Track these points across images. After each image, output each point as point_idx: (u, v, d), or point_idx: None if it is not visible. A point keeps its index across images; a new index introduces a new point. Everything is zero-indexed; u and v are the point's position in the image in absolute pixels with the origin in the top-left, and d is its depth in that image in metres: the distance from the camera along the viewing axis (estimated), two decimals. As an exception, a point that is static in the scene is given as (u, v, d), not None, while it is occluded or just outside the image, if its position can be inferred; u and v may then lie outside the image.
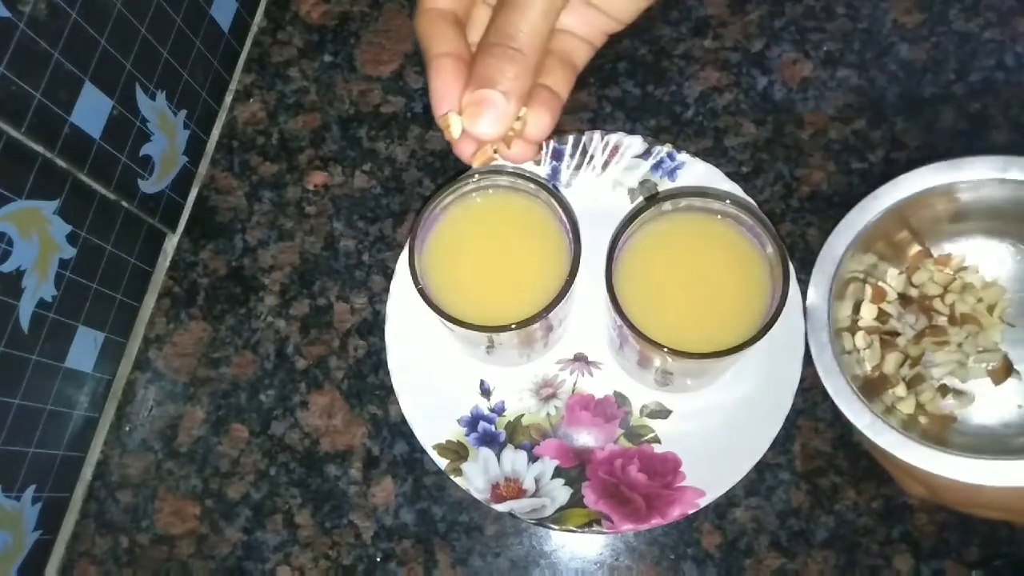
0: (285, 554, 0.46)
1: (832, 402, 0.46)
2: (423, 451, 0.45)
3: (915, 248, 0.44)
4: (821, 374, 0.39)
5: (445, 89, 0.29)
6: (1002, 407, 0.43)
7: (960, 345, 0.43)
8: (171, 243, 0.54)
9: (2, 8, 0.38)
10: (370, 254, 0.52)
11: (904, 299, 0.44)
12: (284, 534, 0.46)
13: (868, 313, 0.43)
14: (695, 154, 0.48)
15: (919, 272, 0.44)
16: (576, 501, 0.44)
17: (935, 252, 0.45)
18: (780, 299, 0.36)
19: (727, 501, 0.44)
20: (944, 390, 0.42)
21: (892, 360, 0.42)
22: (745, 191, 0.47)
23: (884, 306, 0.44)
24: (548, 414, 0.46)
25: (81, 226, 0.46)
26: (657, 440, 0.45)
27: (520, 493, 0.44)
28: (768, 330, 0.36)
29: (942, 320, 0.43)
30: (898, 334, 0.43)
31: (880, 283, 0.44)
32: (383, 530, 0.46)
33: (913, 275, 0.44)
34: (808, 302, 0.41)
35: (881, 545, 0.43)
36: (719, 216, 0.40)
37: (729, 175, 0.48)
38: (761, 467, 0.44)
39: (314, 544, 0.46)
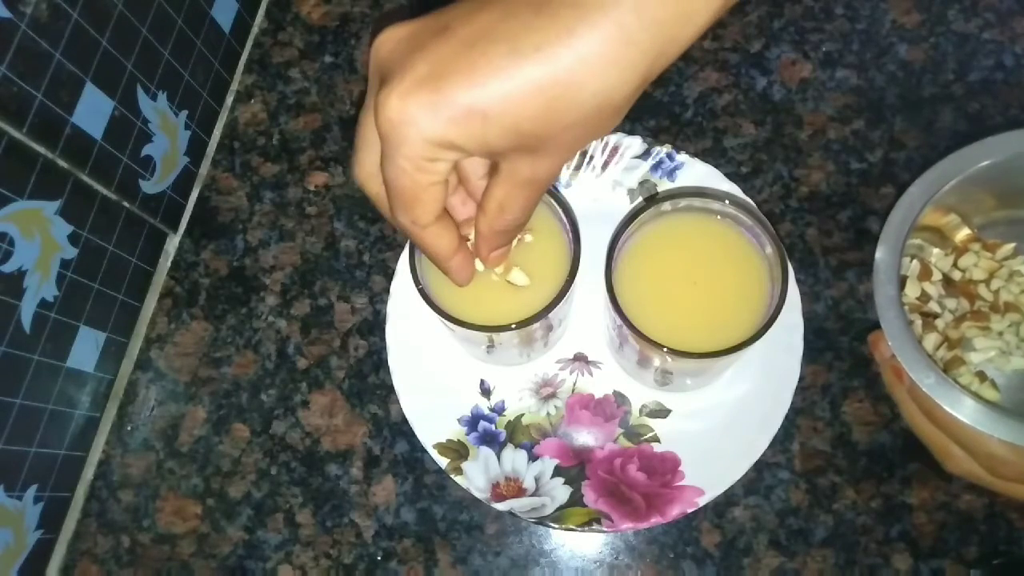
0: (286, 553, 0.46)
1: (831, 400, 0.46)
2: (424, 450, 0.45)
3: (964, 232, 0.44)
4: (885, 329, 0.38)
5: (465, 272, 0.33)
6: None
7: (1001, 334, 0.42)
8: (172, 243, 0.54)
9: (3, 8, 0.38)
10: (371, 254, 0.52)
11: (948, 282, 0.44)
12: (285, 533, 0.47)
13: (912, 291, 0.43)
14: (694, 154, 0.48)
15: (966, 256, 0.44)
16: (576, 500, 0.44)
17: (983, 239, 0.44)
18: (779, 299, 0.36)
19: (726, 500, 0.44)
20: (982, 376, 0.42)
21: (931, 340, 0.42)
22: (744, 191, 0.47)
23: (927, 286, 0.43)
24: (548, 413, 0.46)
25: (83, 226, 0.46)
26: (656, 439, 0.45)
27: (520, 492, 0.44)
28: (767, 330, 0.36)
29: (985, 306, 0.43)
30: (937, 315, 0.43)
31: (927, 261, 0.43)
32: (384, 529, 0.46)
33: (959, 258, 0.44)
34: (877, 256, 0.39)
35: (880, 544, 0.43)
36: (718, 216, 0.40)
37: (728, 175, 0.48)
38: (760, 466, 0.44)
39: (315, 543, 0.46)
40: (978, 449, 0.37)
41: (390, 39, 0.27)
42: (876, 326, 0.46)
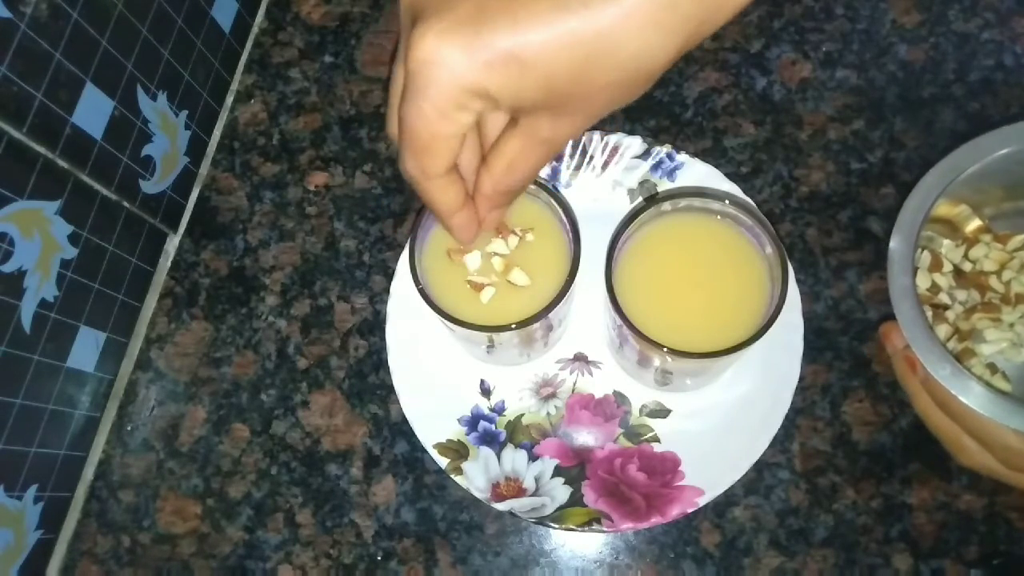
0: (286, 553, 0.46)
1: (831, 400, 0.46)
2: (424, 450, 0.45)
3: (974, 223, 0.44)
4: (900, 319, 0.37)
5: (469, 230, 0.32)
6: None
7: (1012, 325, 0.42)
8: (172, 243, 0.54)
9: (3, 8, 0.38)
10: (371, 254, 0.52)
11: (958, 273, 0.43)
12: (285, 533, 0.47)
13: (922, 282, 0.42)
14: (694, 154, 0.48)
15: (977, 247, 0.43)
16: (576, 500, 0.44)
17: (994, 230, 0.44)
18: (779, 299, 0.36)
19: (726, 500, 0.44)
20: (993, 368, 0.41)
21: (942, 332, 0.41)
22: (744, 191, 0.47)
23: (937, 277, 0.43)
24: (548, 413, 0.46)
25: (83, 226, 0.46)
26: (656, 439, 0.45)
27: (520, 492, 0.44)
28: (767, 330, 0.36)
29: (996, 298, 0.42)
30: (947, 307, 0.42)
31: (938, 252, 0.43)
32: (384, 529, 0.46)
33: (970, 250, 0.43)
34: (891, 246, 0.39)
35: (880, 544, 0.43)
36: (718, 216, 0.40)
37: (728, 175, 0.48)
38: (760, 466, 0.44)
39: (315, 543, 0.46)
40: (993, 441, 0.37)
41: None
42: (878, 323, 0.46)
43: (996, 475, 0.38)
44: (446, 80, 0.25)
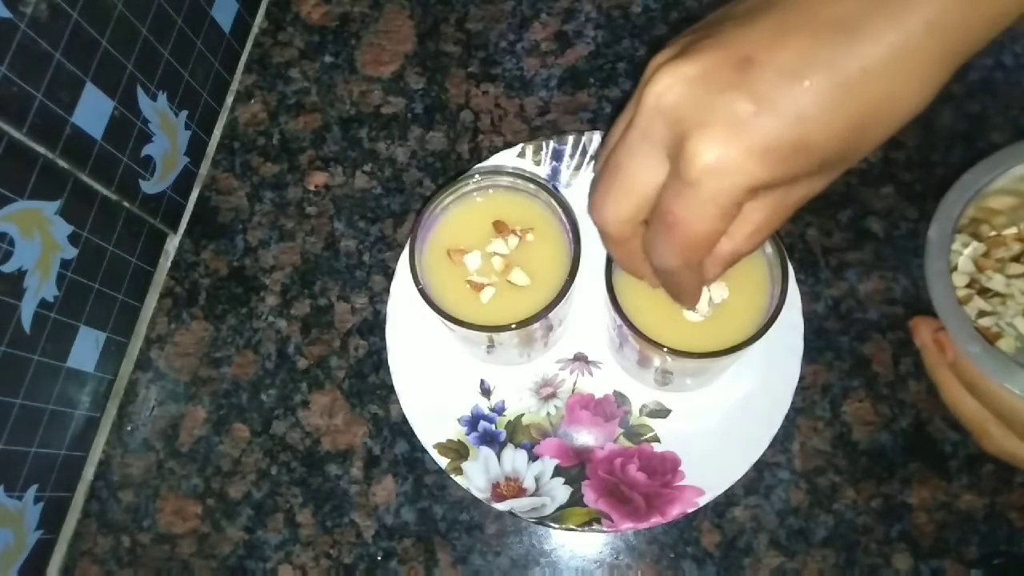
0: (286, 553, 0.46)
1: (831, 400, 0.46)
2: (424, 450, 0.45)
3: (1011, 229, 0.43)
4: (934, 300, 0.37)
5: (701, 296, 0.34)
6: None
7: None
8: (172, 243, 0.54)
9: (3, 9, 0.38)
10: (371, 254, 0.52)
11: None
12: (285, 533, 0.47)
13: (964, 267, 0.42)
14: (694, 154, 0.48)
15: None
16: (576, 500, 0.44)
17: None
18: (779, 299, 0.36)
19: (726, 500, 0.44)
20: None
21: (973, 313, 0.41)
22: (744, 191, 0.47)
23: (980, 262, 0.42)
24: (548, 413, 0.46)
25: (83, 226, 0.46)
26: (657, 439, 0.45)
27: (520, 492, 0.44)
28: (767, 330, 0.36)
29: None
30: (987, 291, 0.42)
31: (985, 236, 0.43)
32: (384, 529, 0.46)
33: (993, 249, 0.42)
34: (930, 233, 0.38)
35: (880, 544, 0.43)
36: (718, 216, 0.40)
37: (728, 175, 0.48)
38: (760, 466, 0.44)
39: (315, 543, 0.46)
40: (1019, 419, 0.36)
41: (677, 81, 0.26)
42: (878, 323, 0.46)
43: (1020, 461, 0.38)
44: (738, 185, 0.25)
